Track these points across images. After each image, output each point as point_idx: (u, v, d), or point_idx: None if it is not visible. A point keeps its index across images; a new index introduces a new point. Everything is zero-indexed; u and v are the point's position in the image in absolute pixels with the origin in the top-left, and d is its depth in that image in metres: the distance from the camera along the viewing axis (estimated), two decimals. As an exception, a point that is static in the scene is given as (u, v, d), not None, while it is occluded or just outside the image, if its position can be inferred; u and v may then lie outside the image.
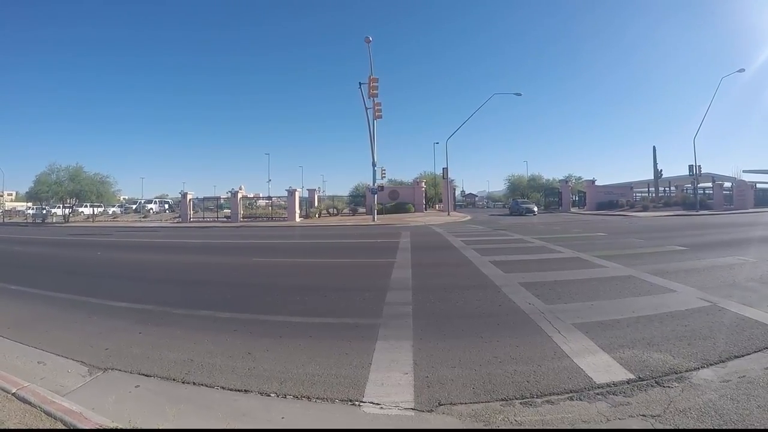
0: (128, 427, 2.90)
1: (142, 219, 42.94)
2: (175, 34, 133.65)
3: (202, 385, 3.69)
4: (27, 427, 2.89)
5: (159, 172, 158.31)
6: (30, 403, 3.19)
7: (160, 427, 2.92)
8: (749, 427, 2.78)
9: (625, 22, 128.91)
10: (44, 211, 41.35)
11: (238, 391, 3.55)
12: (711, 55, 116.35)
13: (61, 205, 43.08)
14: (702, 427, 2.81)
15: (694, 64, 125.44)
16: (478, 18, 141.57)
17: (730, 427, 2.79)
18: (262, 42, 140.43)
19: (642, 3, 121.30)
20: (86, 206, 44.77)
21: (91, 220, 40.67)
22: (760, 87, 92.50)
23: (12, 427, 2.86)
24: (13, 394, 3.35)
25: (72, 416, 2.98)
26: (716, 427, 2.78)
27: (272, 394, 3.47)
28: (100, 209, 46.41)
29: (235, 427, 2.97)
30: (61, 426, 2.91)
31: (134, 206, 60.83)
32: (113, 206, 50.88)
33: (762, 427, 2.78)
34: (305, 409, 3.24)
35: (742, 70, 37.51)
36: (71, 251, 15.32)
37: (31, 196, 42.60)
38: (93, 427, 2.85)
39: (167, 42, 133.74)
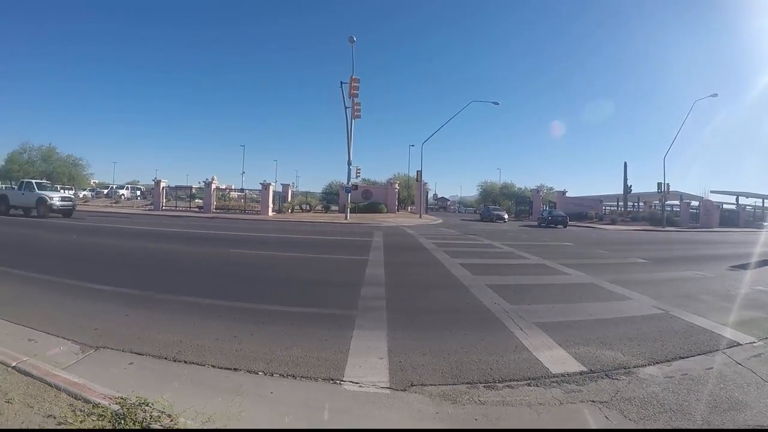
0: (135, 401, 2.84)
1: (114, 204, 42.04)
2: (154, 31, 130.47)
3: (193, 363, 3.92)
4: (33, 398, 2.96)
5: (131, 158, 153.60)
6: (32, 376, 3.25)
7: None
8: (744, 427, 3.06)
9: (600, 42, 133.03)
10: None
11: (228, 369, 3.82)
12: (686, 76, 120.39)
13: (32, 186, 41.73)
14: (652, 414, 3.17)
15: (671, 83, 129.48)
16: (456, 33, 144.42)
17: (724, 427, 3.06)
18: (242, 40, 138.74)
19: (618, 21, 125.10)
20: (57, 188, 43.49)
21: (61, 202, 39.51)
22: (734, 111, 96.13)
23: (17, 398, 2.92)
24: (14, 368, 3.38)
25: (76, 387, 3.09)
26: (688, 427, 3.04)
27: (260, 373, 3.77)
28: (71, 192, 45.14)
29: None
30: (65, 396, 3.00)
31: (106, 191, 59.41)
32: (84, 190, 49.58)
33: (761, 427, 3.07)
34: (292, 385, 3.56)
35: (715, 95, 39.61)
36: (44, 233, 14.98)
37: (2, 175, 41.16)
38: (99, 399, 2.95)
39: (146, 37, 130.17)
